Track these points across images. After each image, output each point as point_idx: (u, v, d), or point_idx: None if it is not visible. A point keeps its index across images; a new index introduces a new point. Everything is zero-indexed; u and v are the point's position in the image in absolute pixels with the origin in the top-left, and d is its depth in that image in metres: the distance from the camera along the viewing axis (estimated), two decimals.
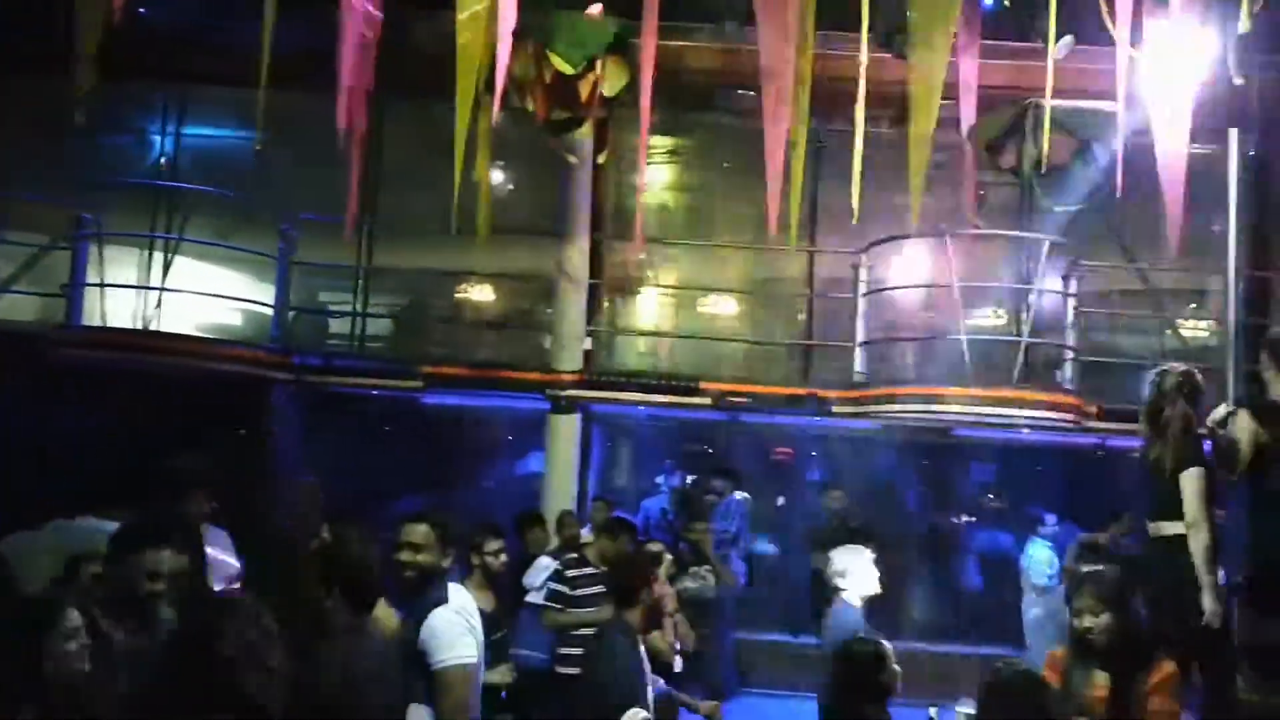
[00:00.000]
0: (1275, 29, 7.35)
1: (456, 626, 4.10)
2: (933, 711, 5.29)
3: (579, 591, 6.42)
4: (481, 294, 11.13)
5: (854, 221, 7.37)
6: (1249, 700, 4.89)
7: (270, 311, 9.77)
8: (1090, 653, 4.56)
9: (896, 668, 4.64)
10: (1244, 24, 5.29)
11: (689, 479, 9.33)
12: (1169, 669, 4.48)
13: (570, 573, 6.53)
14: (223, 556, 4.89)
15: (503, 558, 6.02)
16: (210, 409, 9.03)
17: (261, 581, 4.63)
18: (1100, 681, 4.53)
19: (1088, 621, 4.54)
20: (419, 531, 4.24)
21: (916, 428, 9.97)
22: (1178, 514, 5.27)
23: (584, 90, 7.26)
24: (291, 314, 10.03)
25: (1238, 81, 5.70)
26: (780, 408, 9.66)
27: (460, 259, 10.31)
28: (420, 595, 4.18)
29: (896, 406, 9.05)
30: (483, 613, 5.07)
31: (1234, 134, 5.80)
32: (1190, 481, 5.23)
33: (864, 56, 6.62)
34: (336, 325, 11.11)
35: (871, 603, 6.03)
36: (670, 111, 10.22)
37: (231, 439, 9.17)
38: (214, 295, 10.11)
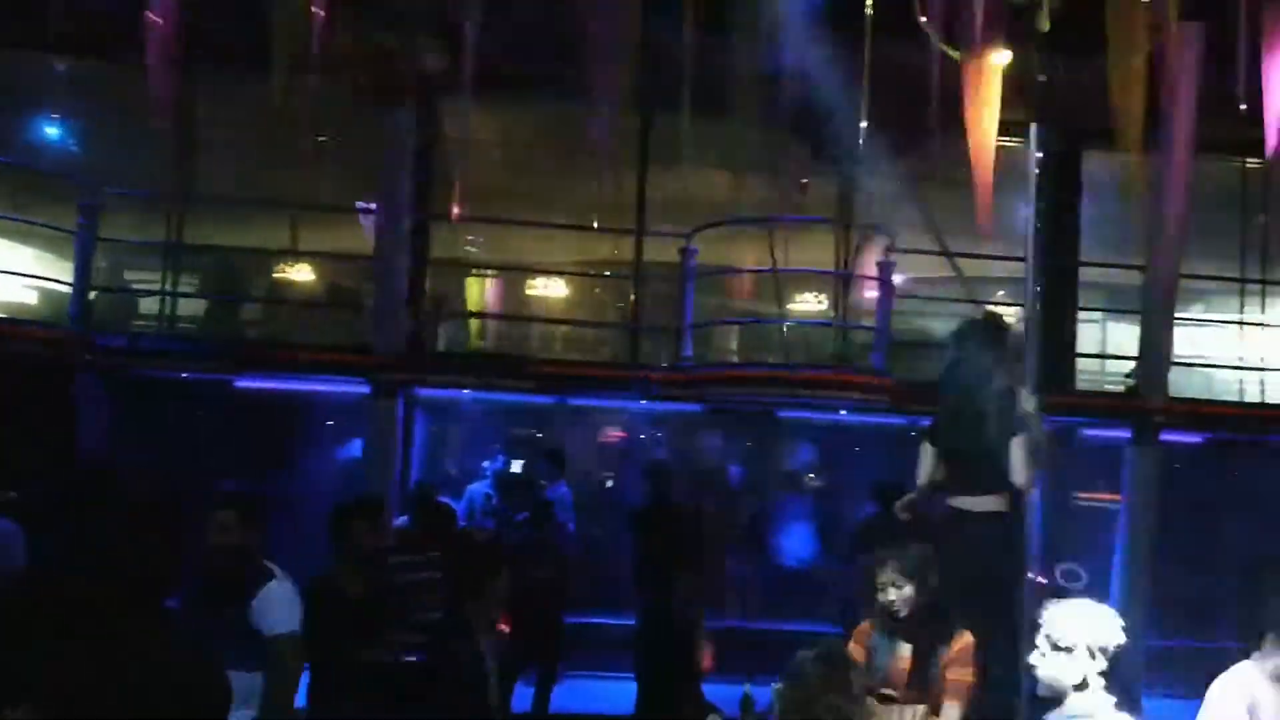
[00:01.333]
0: (1080, 27, 7.77)
1: (288, 597, 4.42)
2: (747, 687, 5.38)
3: (398, 578, 6.28)
4: (301, 273, 10.77)
5: (678, 203, 7.48)
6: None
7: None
8: (894, 625, 4.71)
9: (709, 646, 4.69)
10: (1043, 23, 5.54)
11: (514, 463, 9.26)
12: (966, 640, 4.67)
13: (391, 559, 6.38)
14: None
15: (373, 540, 5.95)
16: (2, 393, 8.47)
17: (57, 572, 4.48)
18: (904, 653, 4.69)
19: (891, 595, 4.68)
20: (227, 516, 4.42)
21: (741, 409, 10.16)
22: (986, 488, 5.50)
23: (406, 66, 7.08)
24: (95, 293, 9.48)
25: (1040, 78, 6.03)
26: (608, 390, 9.70)
27: (278, 237, 9.96)
28: (237, 576, 4.37)
29: (721, 389, 9.20)
30: (354, 597, 5.03)
31: (1034, 128, 6.12)
32: (1017, 448, 5.48)
33: (688, 42, 6.70)
34: (150, 306, 10.57)
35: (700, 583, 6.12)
36: (500, 91, 10.10)
37: (26, 425, 8.62)
38: (6, 273, 9.48)
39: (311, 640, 4.71)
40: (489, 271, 11.16)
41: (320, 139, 9.62)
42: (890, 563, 4.72)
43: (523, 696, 7.75)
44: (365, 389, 9.05)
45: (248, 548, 4.45)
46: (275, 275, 11.00)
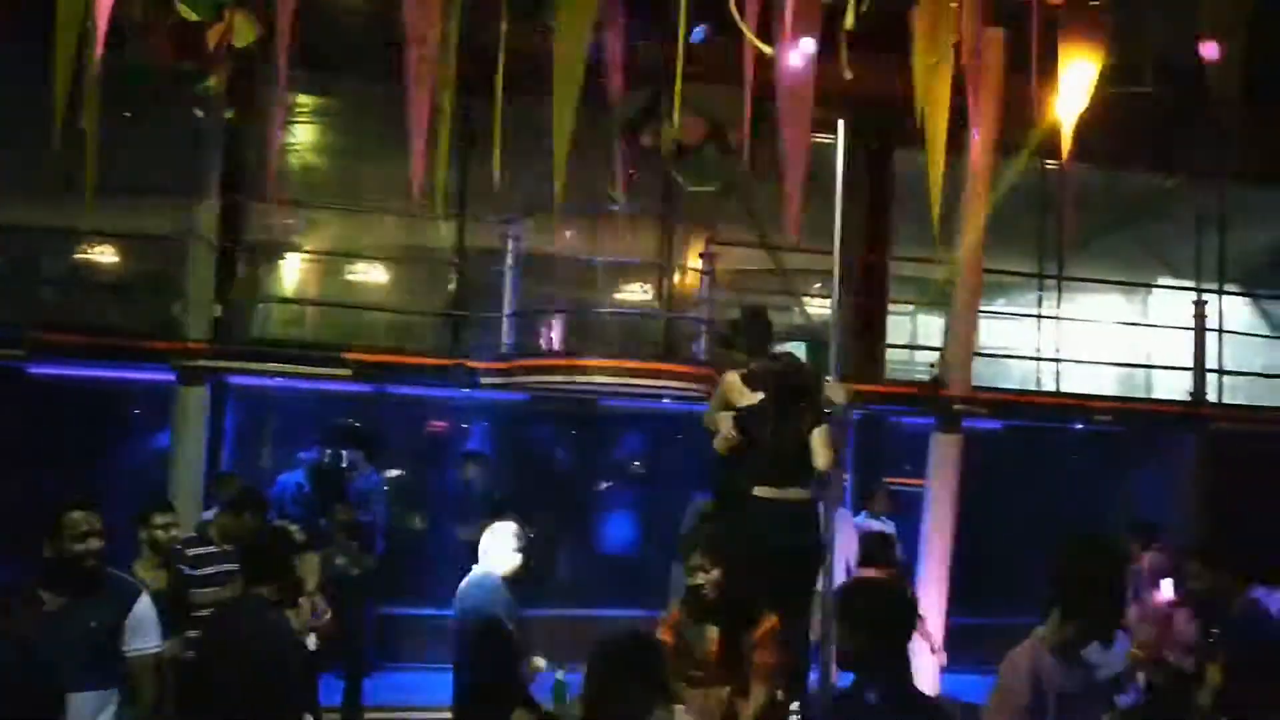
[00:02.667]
0: (891, 26, 8.03)
1: (153, 613, 4.40)
2: (559, 674, 5.41)
3: (200, 571, 6.06)
4: (102, 256, 10.23)
5: (495, 189, 7.39)
6: None
7: None
8: (703, 609, 4.81)
9: (520, 636, 4.66)
10: (849, 21, 5.69)
11: (327, 453, 9.03)
12: (771, 622, 4.80)
13: (191, 551, 6.15)
14: None
15: (173, 531, 5.81)
16: None
17: None
18: (712, 635, 4.79)
19: (700, 579, 4.77)
20: (87, 518, 4.20)
21: (564, 398, 10.17)
22: (800, 479, 5.66)
23: (211, 40, 6.77)
24: None
25: (847, 75, 6.21)
26: (428, 379, 9.56)
27: (77, 217, 9.41)
28: (102, 582, 4.26)
29: (543, 377, 9.19)
30: (153, 590, 4.84)
31: (841, 124, 6.31)
32: (819, 436, 5.65)
33: (504, 24, 6.64)
34: None
35: (516, 574, 6.08)
36: (316, 70, 9.78)
37: None
38: None
39: None
40: (305, 256, 10.82)
41: (126, 116, 9.16)
42: (699, 548, 4.81)
43: (334, 689, 7.58)
44: (171, 377, 8.68)
45: (102, 553, 4.24)
46: (76, 257, 10.41)
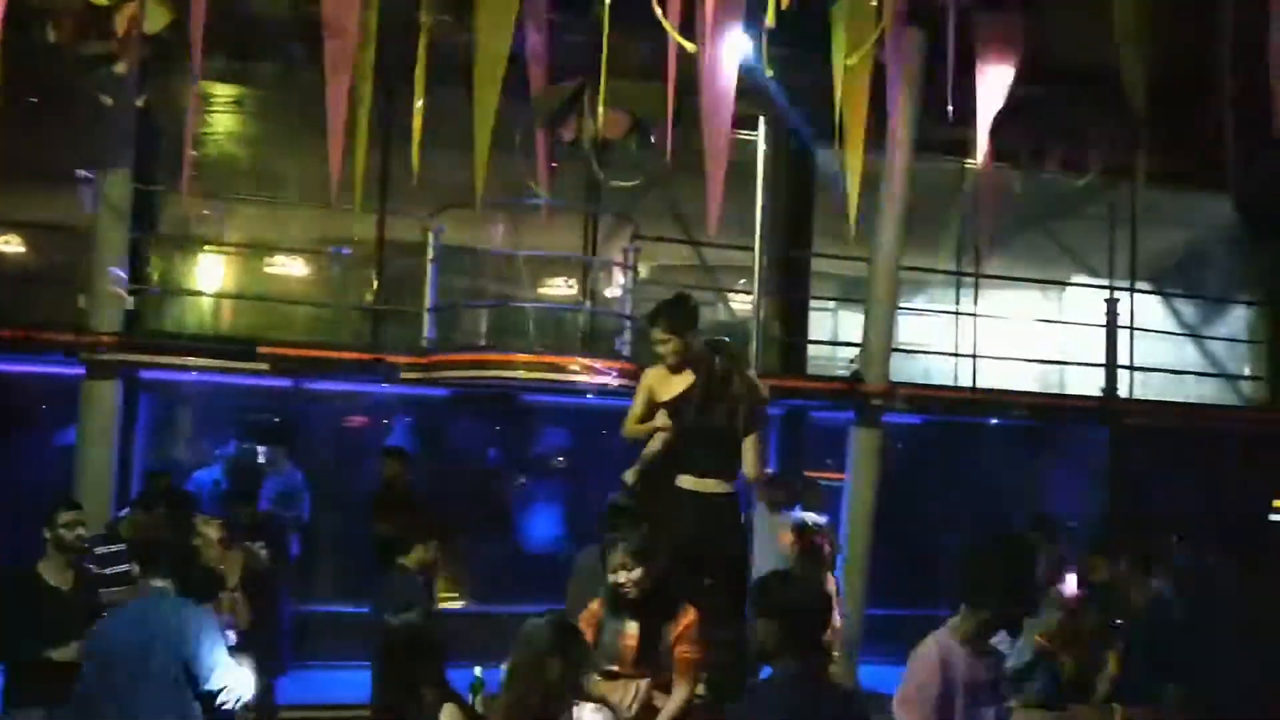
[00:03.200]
0: (808, 23, 8.09)
1: None
2: (477, 670, 5.36)
3: (109, 570, 5.93)
4: (6, 245, 9.94)
5: (415, 182, 7.32)
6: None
7: None
8: (623, 605, 4.81)
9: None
10: (769, 19, 5.73)
11: (244, 448, 8.88)
12: (691, 618, 4.82)
13: (99, 550, 6.01)
14: None
15: (79, 530, 5.59)
16: None
17: None
18: (630, 630, 4.80)
19: (621, 577, 4.78)
20: None
21: (486, 394, 10.10)
22: (725, 471, 5.64)
23: (120, 24, 6.60)
24: None
25: (768, 73, 6.27)
26: (347, 373, 9.44)
27: None
28: None
29: (465, 372, 9.12)
30: (59, 591, 4.63)
31: (762, 121, 6.34)
32: (751, 445, 5.62)
33: (425, 17, 6.56)
34: None
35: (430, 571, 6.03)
36: (233, 58, 9.60)
37: None
38: None
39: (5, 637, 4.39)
40: (222, 248, 10.61)
41: (30, 100, 8.90)
42: (621, 545, 4.81)
43: None
44: (79, 370, 8.45)
45: None
46: None
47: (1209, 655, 5.42)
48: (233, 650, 5.99)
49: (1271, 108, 7.24)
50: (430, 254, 9.24)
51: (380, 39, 7.22)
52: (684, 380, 5.64)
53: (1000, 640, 4.86)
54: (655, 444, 5.72)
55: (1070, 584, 5.05)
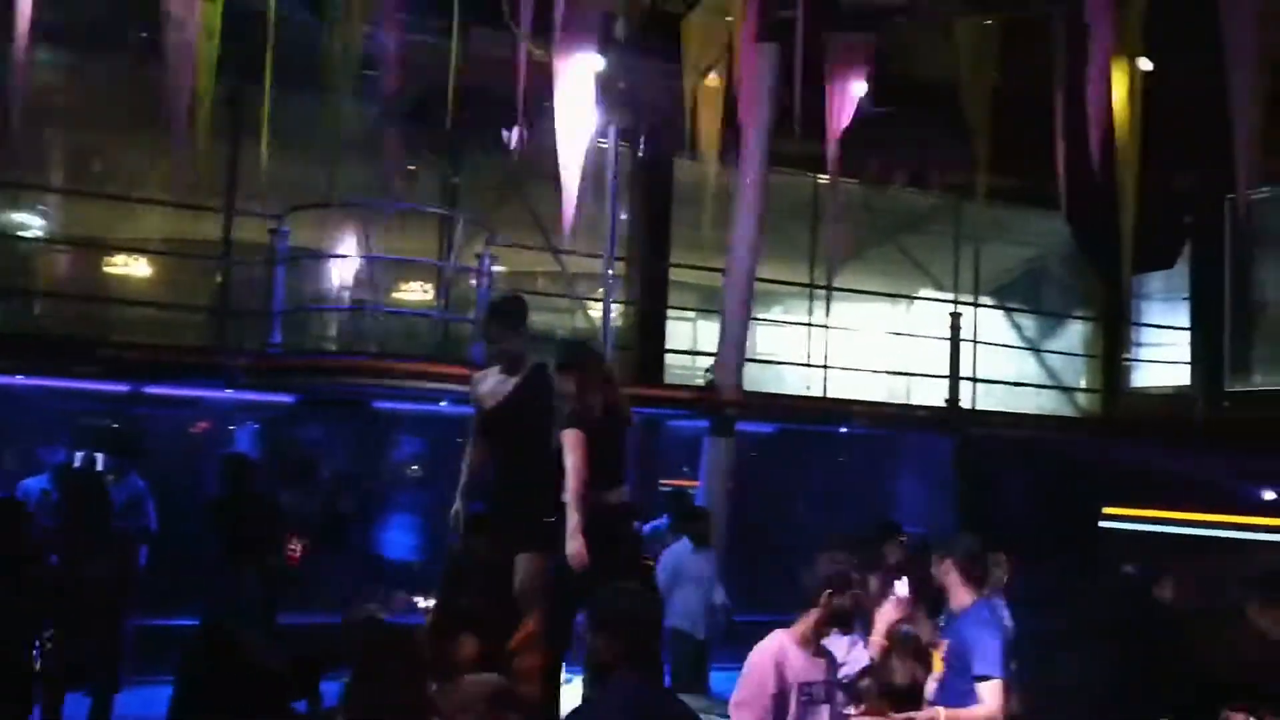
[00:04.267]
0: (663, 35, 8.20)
1: None
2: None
3: None
4: None
5: (264, 182, 7.14)
6: None
7: None
8: (464, 618, 4.78)
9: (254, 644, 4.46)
10: (619, 30, 5.78)
11: (79, 455, 8.46)
12: (530, 626, 4.82)
13: None
14: None
15: None
16: None
17: None
18: (469, 642, 4.76)
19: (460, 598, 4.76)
20: None
21: (336, 400, 9.89)
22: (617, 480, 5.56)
23: None
24: None
25: (620, 85, 6.32)
26: (190, 377, 9.13)
27: None
28: None
29: (312, 378, 8.92)
30: None
31: (613, 131, 6.39)
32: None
33: (272, 13, 6.41)
34: None
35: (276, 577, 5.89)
36: (66, 50, 9.22)
37: None
38: None
39: None
40: (58, 246, 10.15)
41: None
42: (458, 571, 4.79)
43: (81, 705, 7.13)
44: None
45: None
46: None
47: (1036, 657, 5.64)
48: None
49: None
50: (276, 255, 8.98)
51: (227, 35, 7.02)
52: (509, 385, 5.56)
53: (840, 644, 4.99)
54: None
55: (903, 588, 5.20)
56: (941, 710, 4.66)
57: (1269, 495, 9.71)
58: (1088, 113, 7.47)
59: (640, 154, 10.10)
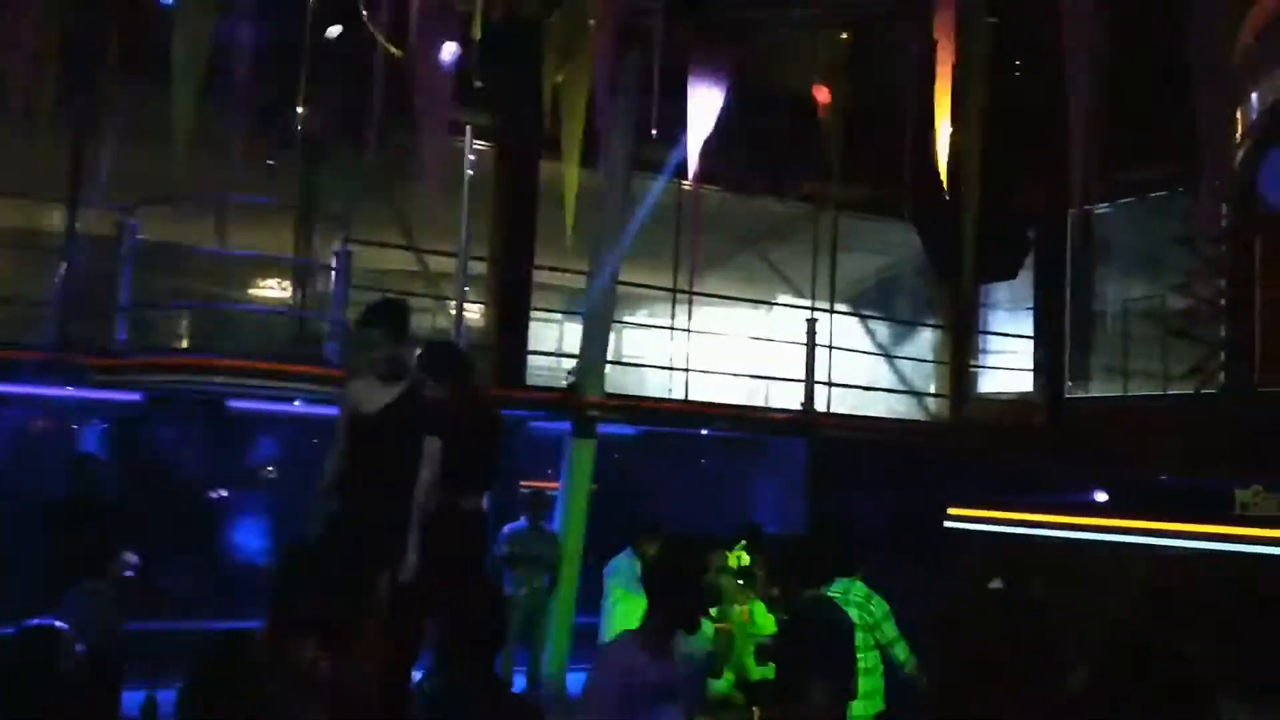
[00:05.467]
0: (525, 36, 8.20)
1: None
2: (150, 692, 5.12)
3: None
4: None
5: (110, 173, 6.92)
6: None
7: None
8: (305, 621, 4.70)
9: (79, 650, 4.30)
10: (476, 30, 5.79)
11: None
12: (374, 632, 4.77)
13: None
14: None
15: None
16: None
17: None
18: (309, 645, 4.69)
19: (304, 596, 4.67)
20: None
21: (189, 398, 9.61)
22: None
23: None
24: None
25: (477, 84, 6.32)
26: (31, 374, 8.74)
27: None
28: None
29: (161, 376, 8.65)
30: None
31: (469, 130, 6.36)
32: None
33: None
34: None
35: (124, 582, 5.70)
36: None
37: None
38: None
39: None
40: None
41: None
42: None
43: None
44: None
45: None
46: None
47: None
48: None
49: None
50: (124, 249, 8.68)
51: (75, 21, 6.79)
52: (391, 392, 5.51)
53: (687, 643, 5.08)
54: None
55: (754, 587, 5.32)
56: (756, 709, 4.78)
57: (1101, 498, 10.19)
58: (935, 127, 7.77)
59: (502, 155, 10.09)
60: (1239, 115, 7.65)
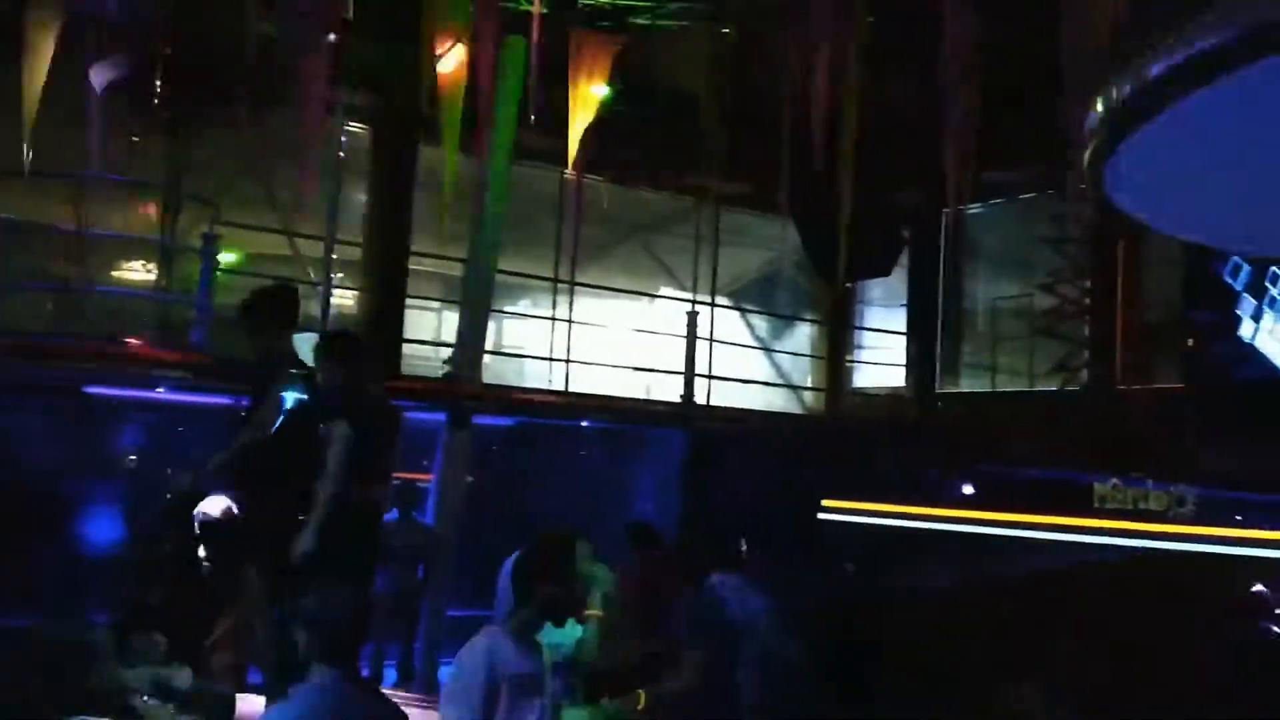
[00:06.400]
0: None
1: None
2: None
3: None
4: None
5: None
6: None
7: None
8: (148, 617, 4.58)
9: None
10: (348, 7, 5.64)
11: None
12: (227, 625, 4.64)
13: None
14: None
15: None
16: None
17: None
18: (159, 639, 4.56)
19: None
20: None
21: (46, 385, 9.19)
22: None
23: None
24: None
25: (355, 65, 6.13)
26: None
27: None
28: None
29: (17, 361, 8.24)
30: None
31: (340, 110, 6.19)
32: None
33: None
34: None
35: None
36: None
37: None
38: None
39: None
40: None
41: None
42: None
43: None
44: None
45: None
46: None
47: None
48: None
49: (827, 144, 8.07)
50: None
51: None
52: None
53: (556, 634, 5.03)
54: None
55: (609, 577, 5.31)
56: (641, 692, 4.79)
57: (969, 490, 10.50)
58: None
59: (379, 138, 9.87)
60: None
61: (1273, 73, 3.28)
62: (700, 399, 12.50)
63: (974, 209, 12.59)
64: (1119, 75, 3.71)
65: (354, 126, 10.97)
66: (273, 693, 4.83)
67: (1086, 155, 4.20)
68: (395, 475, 10.07)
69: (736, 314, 14.45)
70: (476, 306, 10.05)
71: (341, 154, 6.18)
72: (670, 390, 12.69)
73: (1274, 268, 10.36)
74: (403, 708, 4.31)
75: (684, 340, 12.39)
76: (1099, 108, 3.95)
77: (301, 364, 5.33)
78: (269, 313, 5.32)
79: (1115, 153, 4.09)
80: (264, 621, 4.88)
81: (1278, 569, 8.04)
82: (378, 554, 5.48)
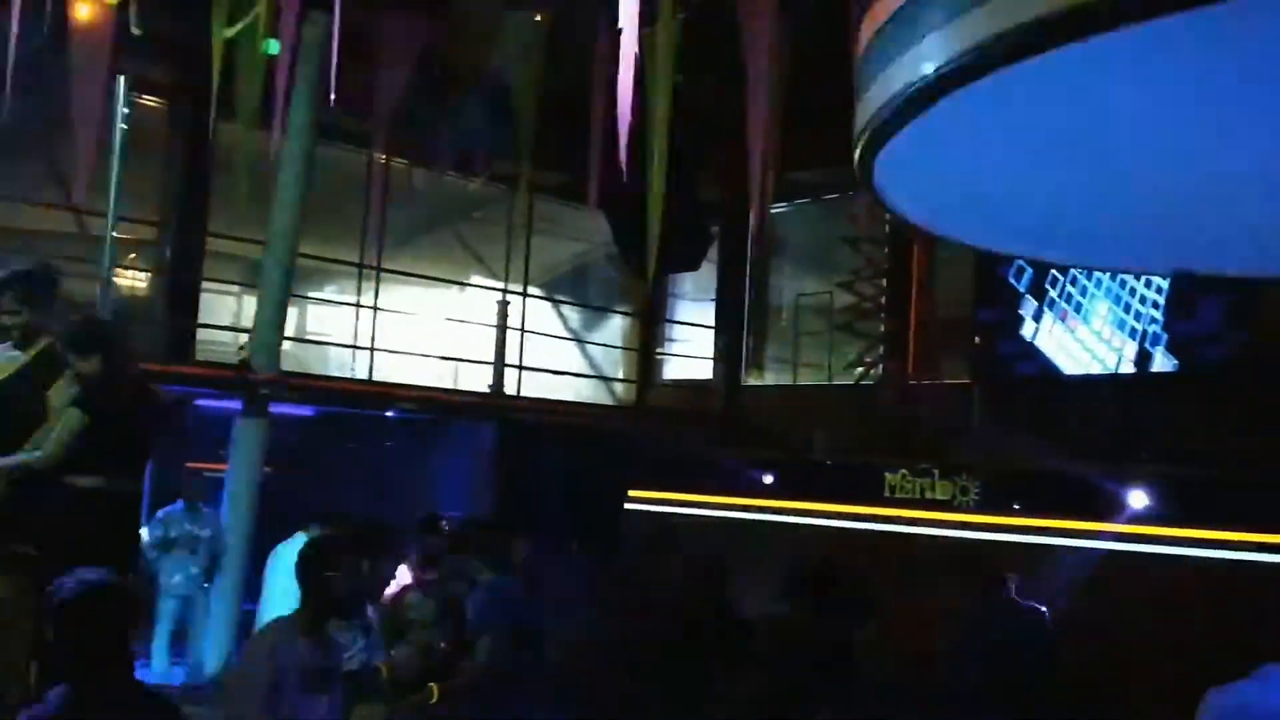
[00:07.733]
0: None
1: None
2: None
3: None
4: None
5: None
6: None
7: None
8: None
9: None
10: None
11: None
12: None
13: None
14: None
15: None
16: None
17: None
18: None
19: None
20: None
21: None
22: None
23: None
24: None
25: (135, 30, 5.78)
26: None
27: None
28: None
29: None
30: None
31: (122, 80, 5.84)
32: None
33: None
34: None
35: None
36: None
37: None
38: None
39: None
40: None
41: None
42: None
43: None
44: None
45: None
46: None
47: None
48: None
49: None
50: None
51: None
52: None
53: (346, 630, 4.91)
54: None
55: (402, 576, 5.23)
56: (434, 685, 4.76)
57: (769, 480, 10.77)
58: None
59: (172, 112, 9.40)
60: None
61: (1025, 79, 3.46)
62: (510, 389, 12.43)
63: (780, 207, 12.92)
64: (873, 81, 3.87)
65: (147, 99, 10.43)
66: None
67: (855, 154, 4.36)
68: (191, 465, 9.70)
69: (548, 304, 14.43)
70: (274, 291, 9.68)
71: (123, 126, 5.83)
72: (479, 380, 12.58)
73: (1054, 271, 11.05)
74: (190, 706, 4.15)
75: (494, 330, 12.30)
76: (859, 111, 4.11)
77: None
78: (15, 290, 4.99)
79: (878, 153, 4.27)
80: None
81: (1047, 552, 8.58)
82: (135, 545, 5.20)
